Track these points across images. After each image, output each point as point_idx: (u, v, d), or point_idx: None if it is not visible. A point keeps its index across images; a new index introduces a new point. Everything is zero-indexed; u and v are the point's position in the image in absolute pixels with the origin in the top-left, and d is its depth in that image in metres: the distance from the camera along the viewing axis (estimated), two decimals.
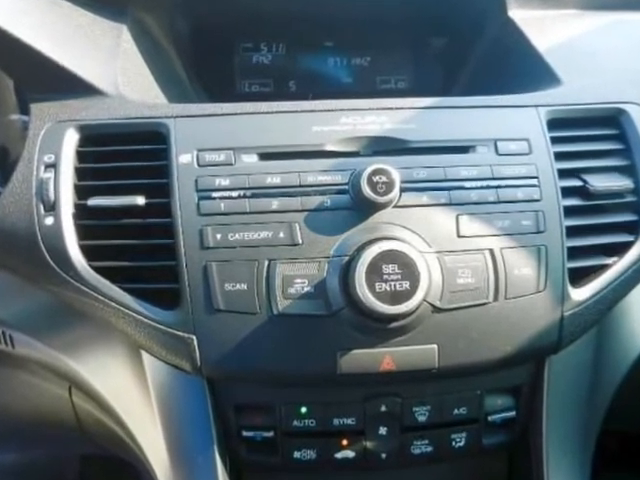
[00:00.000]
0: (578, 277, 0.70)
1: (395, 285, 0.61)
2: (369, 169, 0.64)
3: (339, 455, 0.73)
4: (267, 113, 0.71)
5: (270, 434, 0.72)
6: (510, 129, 0.72)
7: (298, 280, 0.64)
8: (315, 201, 0.66)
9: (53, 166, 0.68)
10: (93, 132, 0.70)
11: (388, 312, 0.61)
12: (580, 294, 0.69)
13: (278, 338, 0.65)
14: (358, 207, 0.66)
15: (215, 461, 0.72)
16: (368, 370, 0.65)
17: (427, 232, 0.66)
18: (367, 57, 1.01)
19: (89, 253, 0.67)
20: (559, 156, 0.71)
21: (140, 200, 0.67)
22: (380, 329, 0.64)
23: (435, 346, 0.66)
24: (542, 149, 0.71)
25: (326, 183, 0.67)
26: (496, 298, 0.66)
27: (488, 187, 0.68)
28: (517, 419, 0.76)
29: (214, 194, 0.66)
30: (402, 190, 0.66)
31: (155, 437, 0.74)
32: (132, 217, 0.67)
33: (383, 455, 0.73)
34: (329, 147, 0.69)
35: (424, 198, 0.67)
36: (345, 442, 0.72)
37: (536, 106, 0.73)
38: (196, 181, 0.67)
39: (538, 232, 0.68)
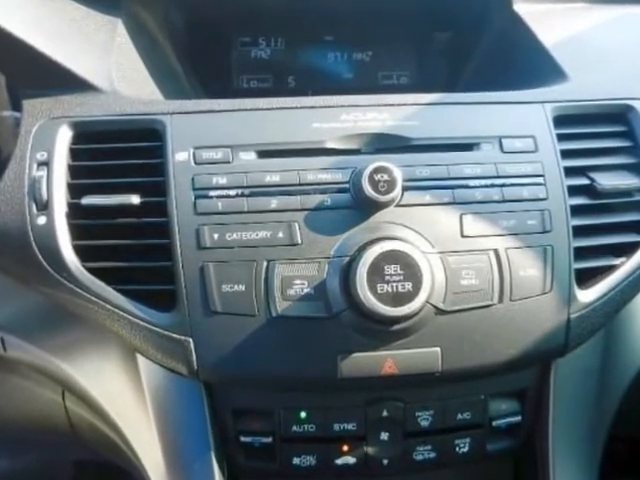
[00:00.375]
0: (585, 278, 0.70)
1: (397, 286, 0.61)
2: (370, 167, 0.64)
3: (339, 461, 0.73)
4: (266, 109, 0.71)
5: (269, 439, 0.71)
6: (515, 126, 0.72)
7: (297, 281, 0.64)
8: (315, 200, 0.66)
9: (46, 164, 0.68)
10: (87, 129, 0.70)
11: (390, 314, 0.61)
12: (587, 296, 0.69)
13: (277, 341, 0.65)
14: (359, 206, 0.66)
15: (212, 467, 0.72)
16: (369, 374, 0.65)
17: (430, 232, 0.66)
18: (368, 52, 1.01)
19: (83, 253, 0.67)
20: (566, 154, 0.71)
21: (135, 199, 0.67)
22: (382, 331, 0.64)
23: (438, 349, 0.66)
24: (548, 146, 0.71)
25: (326, 181, 0.67)
26: (501, 300, 0.66)
27: (493, 186, 0.68)
28: (522, 424, 0.76)
29: (211, 193, 0.66)
30: (404, 189, 0.66)
31: (150, 443, 0.74)
32: (127, 216, 0.67)
33: (385, 461, 0.73)
34: (329, 144, 0.69)
35: (427, 197, 0.67)
36: (346, 448, 0.72)
37: (542, 102, 0.73)
38: (193, 179, 0.67)
39: (544, 232, 0.68)
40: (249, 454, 0.74)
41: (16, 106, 0.74)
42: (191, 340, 0.65)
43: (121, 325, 0.66)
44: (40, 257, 0.66)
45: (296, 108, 0.71)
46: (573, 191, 0.70)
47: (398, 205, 0.66)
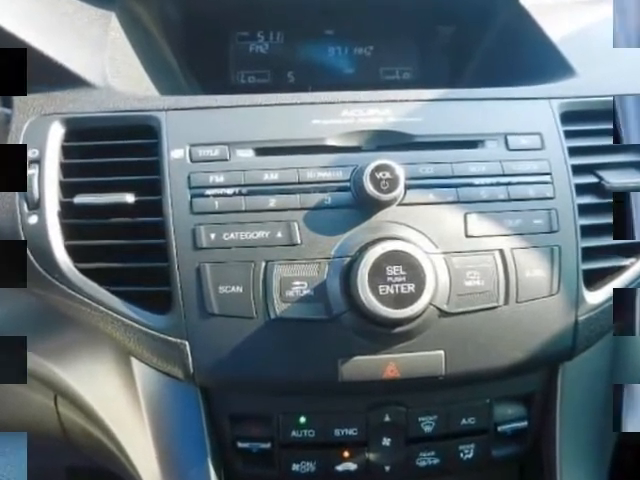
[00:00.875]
0: (593, 279, 0.70)
1: (399, 288, 0.61)
2: (372, 165, 0.64)
3: (340, 468, 0.72)
4: (264, 106, 0.71)
5: (267, 445, 0.71)
6: (521, 123, 0.72)
7: (297, 282, 0.64)
8: (315, 199, 0.66)
9: (37, 162, 0.68)
10: (80, 126, 0.70)
11: (392, 316, 0.61)
12: (595, 297, 0.69)
13: (275, 344, 0.65)
14: (360, 205, 0.66)
15: (209, 474, 0.72)
16: (371, 378, 0.65)
17: (433, 232, 0.66)
18: (370, 46, 1.01)
19: (75, 254, 0.67)
20: (573, 151, 0.71)
21: (129, 198, 0.67)
22: (383, 334, 0.64)
23: (442, 352, 0.65)
24: (555, 144, 0.71)
25: (326, 180, 0.67)
26: (506, 301, 0.66)
27: (498, 184, 0.68)
28: (529, 429, 0.75)
29: (208, 191, 0.66)
30: (407, 187, 0.66)
31: (145, 449, 0.74)
32: (121, 216, 0.67)
33: (387, 468, 0.73)
34: (330, 142, 0.69)
35: (430, 196, 0.67)
36: (346, 454, 0.72)
37: (549, 98, 0.73)
38: (189, 178, 0.66)
39: (551, 232, 0.68)
40: (247, 460, 0.73)
41: (6, 102, 0.74)
42: (187, 343, 0.65)
43: (115, 327, 0.66)
44: (31, 258, 0.66)
45: (295, 104, 0.71)
46: (581, 190, 0.70)
47: (400, 204, 0.66)
